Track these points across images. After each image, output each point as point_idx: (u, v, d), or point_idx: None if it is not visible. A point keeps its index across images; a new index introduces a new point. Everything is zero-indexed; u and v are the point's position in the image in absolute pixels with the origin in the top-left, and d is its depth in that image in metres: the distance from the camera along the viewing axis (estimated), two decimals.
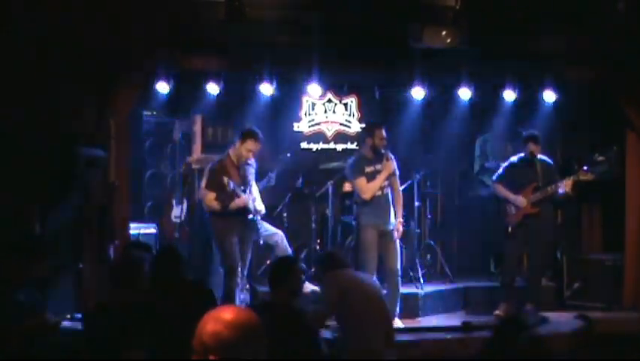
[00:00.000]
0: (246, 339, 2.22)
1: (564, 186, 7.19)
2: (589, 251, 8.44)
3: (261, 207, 6.89)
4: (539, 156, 7.37)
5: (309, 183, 8.49)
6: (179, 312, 4.32)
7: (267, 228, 7.10)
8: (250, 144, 6.72)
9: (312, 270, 7.86)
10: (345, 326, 5.10)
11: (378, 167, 6.87)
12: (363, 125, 8.86)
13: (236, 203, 6.62)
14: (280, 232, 7.27)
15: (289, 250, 7.25)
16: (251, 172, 7.00)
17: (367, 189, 6.80)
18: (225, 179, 6.52)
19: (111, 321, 4.20)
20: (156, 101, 8.05)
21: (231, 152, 6.83)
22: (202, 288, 4.90)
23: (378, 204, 6.84)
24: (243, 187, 6.70)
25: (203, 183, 6.81)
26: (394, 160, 6.90)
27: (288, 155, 7.93)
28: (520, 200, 7.31)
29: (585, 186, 7.85)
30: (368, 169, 6.86)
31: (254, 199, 6.85)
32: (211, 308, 2.39)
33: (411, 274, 7.86)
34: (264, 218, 7.17)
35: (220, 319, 2.26)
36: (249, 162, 6.90)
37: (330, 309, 5.14)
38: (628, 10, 6.40)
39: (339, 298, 5.03)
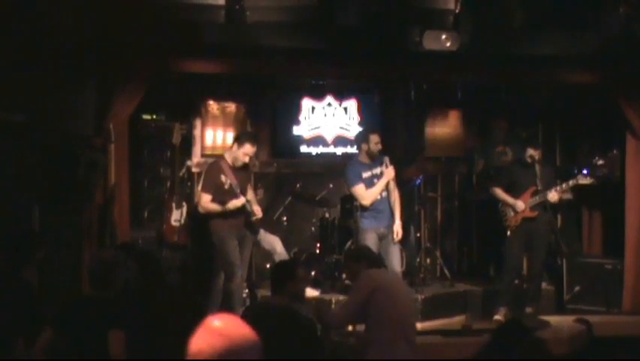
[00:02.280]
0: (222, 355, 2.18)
1: (553, 195, 7.17)
2: (589, 255, 8.44)
3: (258, 210, 6.88)
4: (538, 159, 7.36)
5: (308, 186, 8.49)
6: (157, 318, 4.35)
7: (264, 233, 7.11)
8: (247, 148, 6.72)
9: (313, 273, 7.87)
10: (370, 325, 5.03)
11: (375, 171, 6.90)
12: (360, 130, 8.87)
13: (234, 203, 6.60)
14: (277, 238, 7.28)
15: (286, 255, 7.25)
16: (247, 176, 7.01)
17: (367, 195, 6.84)
18: (222, 177, 6.53)
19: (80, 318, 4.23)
20: (156, 104, 8.06)
21: (227, 155, 6.82)
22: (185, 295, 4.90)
23: (378, 207, 6.87)
24: (239, 189, 6.69)
25: (200, 187, 6.82)
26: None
27: None
28: (519, 204, 7.30)
29: (585, 190, 7.86)
30: (365, 175, 6.90)
31: (251, 202, 6.86)
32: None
33: (410, 277, 7.87)
34: (263, 222, 7.17)
35: (204, 329, 2.23)
36: (246, 165, 6.89)
37: (355, 311, 4.99)
38: (630, 13, 6.40)
39: (368, 298, 4.90)
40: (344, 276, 7.57)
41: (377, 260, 5.39)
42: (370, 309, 4.88)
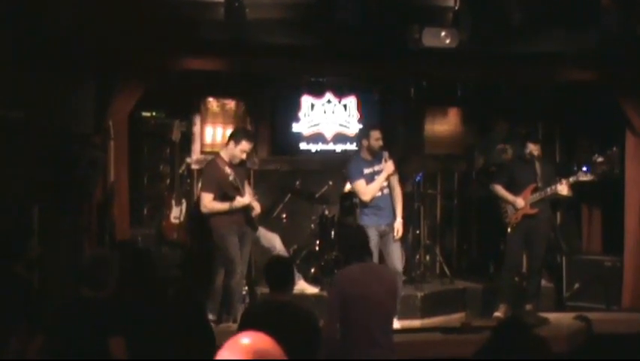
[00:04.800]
0: None
1: (563, 187, 7.19)
2: (588, 252, 8.45)
3: (256, 206, 6.88)
4: (538, 155, 7.36)
5: (308, 183, 8.48)
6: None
7: (263, 231, 7.11)
8: (244, 145, 6.73)
9: (312, 270, 7.87)
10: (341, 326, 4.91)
11: (377, 168, 6.91)
12: (361, 127, 8.86)
13: (240, 201, 6.58)
14: (276, 235, 7.27)
15: (285, 253, 7.25)
16: (245, 172, 7.01)
17: (367, 191, 6.84)
18: (227, 169, 6.48)
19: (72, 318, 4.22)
20: (155, 101, 8.05)
21: (224, 153, 6.81)
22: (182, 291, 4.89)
23: (379, 204, 6.87)
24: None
25: (200, 187, 6.81)
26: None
27: None
28: (519, 201, 7.30)
29: (584, 187, 7.86)
30: (366, 171, 6.90)
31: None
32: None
33: (410, 275, 7.87)
34: (262, 219, 7.18)
35: (233, 347, 2.24)
36: (243, 162, 6.88)
37: (335, 315, 4.75)
38: (616, 9, 6.41)
39: (340, 300, 4.72)
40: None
41: (359, 251, 5.01)
42: (340, 312, 4.71)
